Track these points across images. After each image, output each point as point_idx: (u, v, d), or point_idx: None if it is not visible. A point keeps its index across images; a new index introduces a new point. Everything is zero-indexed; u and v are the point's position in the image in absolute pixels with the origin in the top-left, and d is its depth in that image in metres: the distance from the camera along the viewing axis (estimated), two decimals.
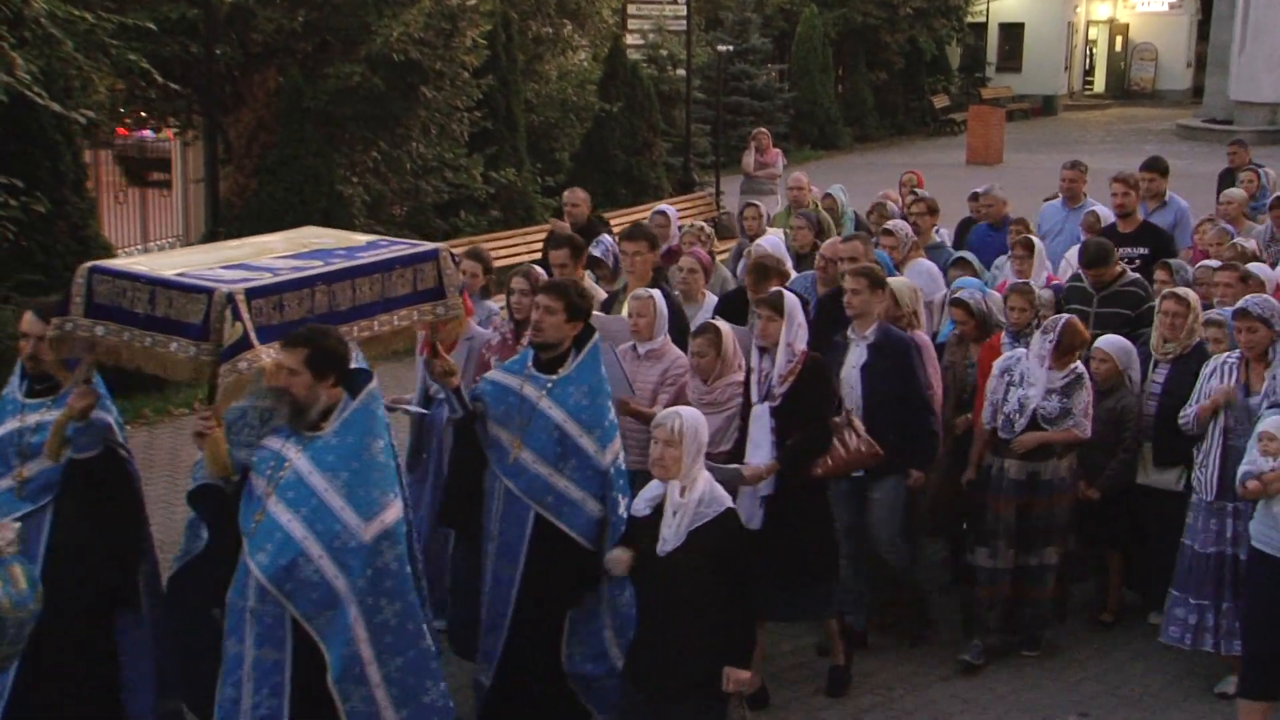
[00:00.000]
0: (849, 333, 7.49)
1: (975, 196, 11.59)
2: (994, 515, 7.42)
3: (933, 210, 10.69)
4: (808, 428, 6.77)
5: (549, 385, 6.12)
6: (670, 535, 5.42)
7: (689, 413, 5.58)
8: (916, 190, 12.34)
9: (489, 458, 6.20)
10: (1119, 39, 50.74)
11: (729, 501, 5.51)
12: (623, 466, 6.15)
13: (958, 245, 11.10)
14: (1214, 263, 8.95)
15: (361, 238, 6.29)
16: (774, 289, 7.16)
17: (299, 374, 5.13)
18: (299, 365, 5.11)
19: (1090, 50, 50.44)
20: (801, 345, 6.82)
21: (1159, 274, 8.76)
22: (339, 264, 5.62)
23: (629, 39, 25.14)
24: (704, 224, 10.30)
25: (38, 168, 11.72)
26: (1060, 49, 45.83)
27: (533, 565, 6.06)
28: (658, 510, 5.51)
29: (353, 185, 15.22)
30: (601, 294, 8.56)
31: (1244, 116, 34.50)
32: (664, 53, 26.02)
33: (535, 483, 6.06)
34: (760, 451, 6.70)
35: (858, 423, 7.01)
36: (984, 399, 7.72)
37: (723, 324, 7.30)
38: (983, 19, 44.55)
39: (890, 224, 9.74)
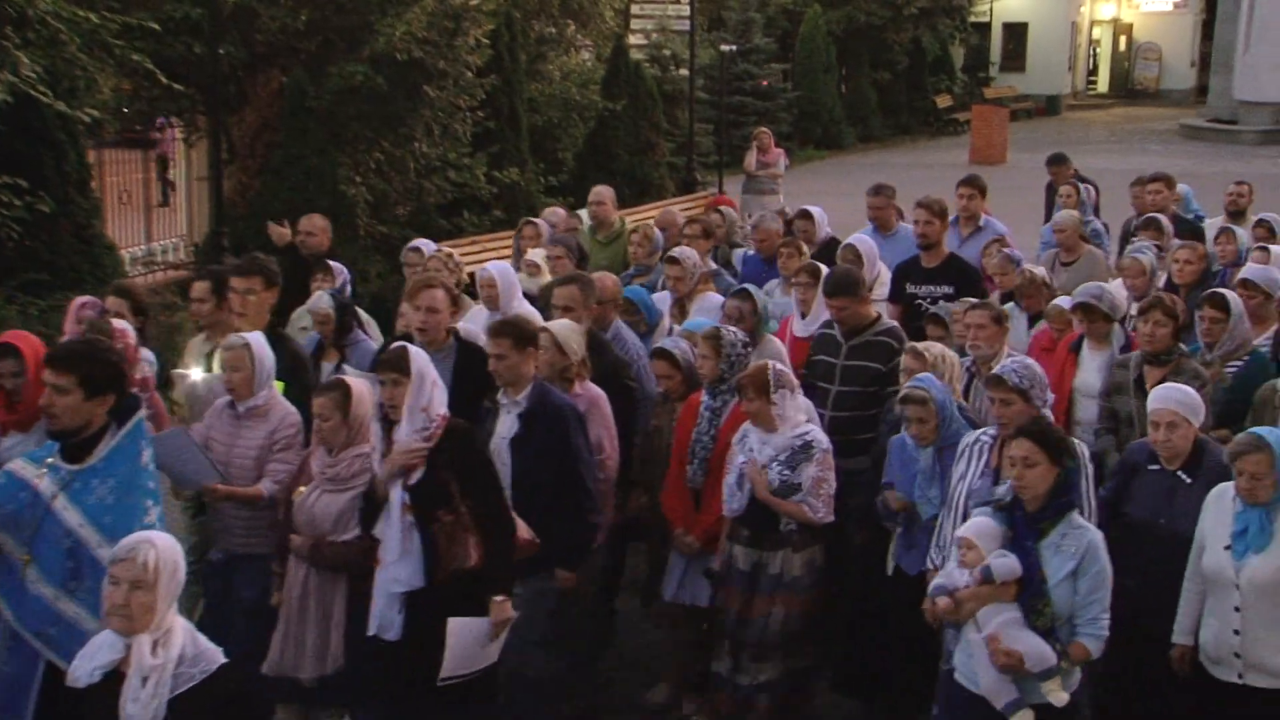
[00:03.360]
0: (499, 397, 6.27)
1: (757, 226, 10.19)
2: (721, 611, 6.31)
3: (708, 233, 9.61)
4: (495, 517, 5.57)
5: (68, 479, 4.80)
6: (138, 712, 3.97)
7: (163, 541, 4.18)
8: (722, 210, 11.14)
9: None
10: (1123, 38, 50.75)
11: (220, 655, 4.19)
12: None
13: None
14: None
15: None
16: (397, 345, 5.92)
17: None
18: None
19: (1094, 50, 50.44)
20: (440, 409, 5.56)
21: (907, 359, 6.83)
22: None
23: (632, 39, 25.12)
24: (451, 251, 8.94)
25: (42, 167, 11.74)
26: (1064, 49, 45.84)
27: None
28: (114, 676, 4.04)
29: (356, 185, 15.21)
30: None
31: (1248, 116, 34.52)
32: (667, 52, 26.01)
33: (35, 608, 4.71)
34: (392, 545, 5.51)
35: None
36: (678, 465, 6.62)
37: (356, 380, 6.11)
38: (986, 19, 44.58)
39: (677, 251, 8.56)
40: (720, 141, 24.61)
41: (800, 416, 6.24)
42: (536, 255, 9.42)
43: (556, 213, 11.04)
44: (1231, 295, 7.31)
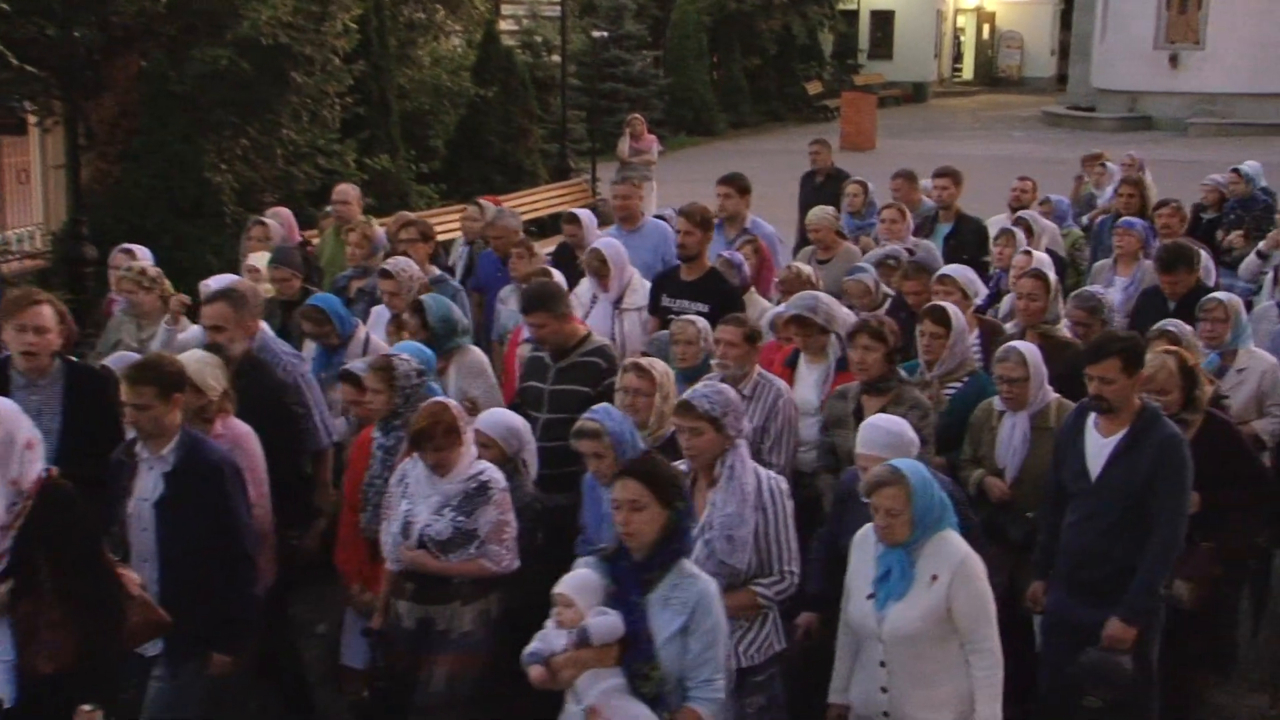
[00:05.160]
0: (138, 449, 5.33)
1: (492, 224, 9.56)
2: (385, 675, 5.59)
3: (426, 236, 8.88)
4: (93, 606, 4.60)
5: None
6: None
7: None
8: (481, 204, 10.33)
9: None
10: (986, 27, 51.87)
11: None
12: None
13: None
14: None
15: None
16: None
17: None
18: None
19: (959, 38, 51.47)
20: (33, 476, 4.57)
21: (628, 379, 5.97)
22: None
23: (503, 24, 24.95)
24: (146, 265, 7.73)
25: None
26: (930, 36, 46.73)
27: None
28: None
29: (222, 172, 14.88)
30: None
31: (1105, 103, 35.48)
32: (539, 39, 25.89)
33: None
34: None
35: (131, 576, 4.93)
36: (350, 512, 5.99)
37: None
38: (854, 6, 45.27)
39: (391, 262, 7.78)
40: (593, 128, 24.58)
41: (473, 452, 5.51)
42: (257, 260, 8.59)
43: (280, 213, 9.91)
44: (953, 309, 6.77)
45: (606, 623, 4.36)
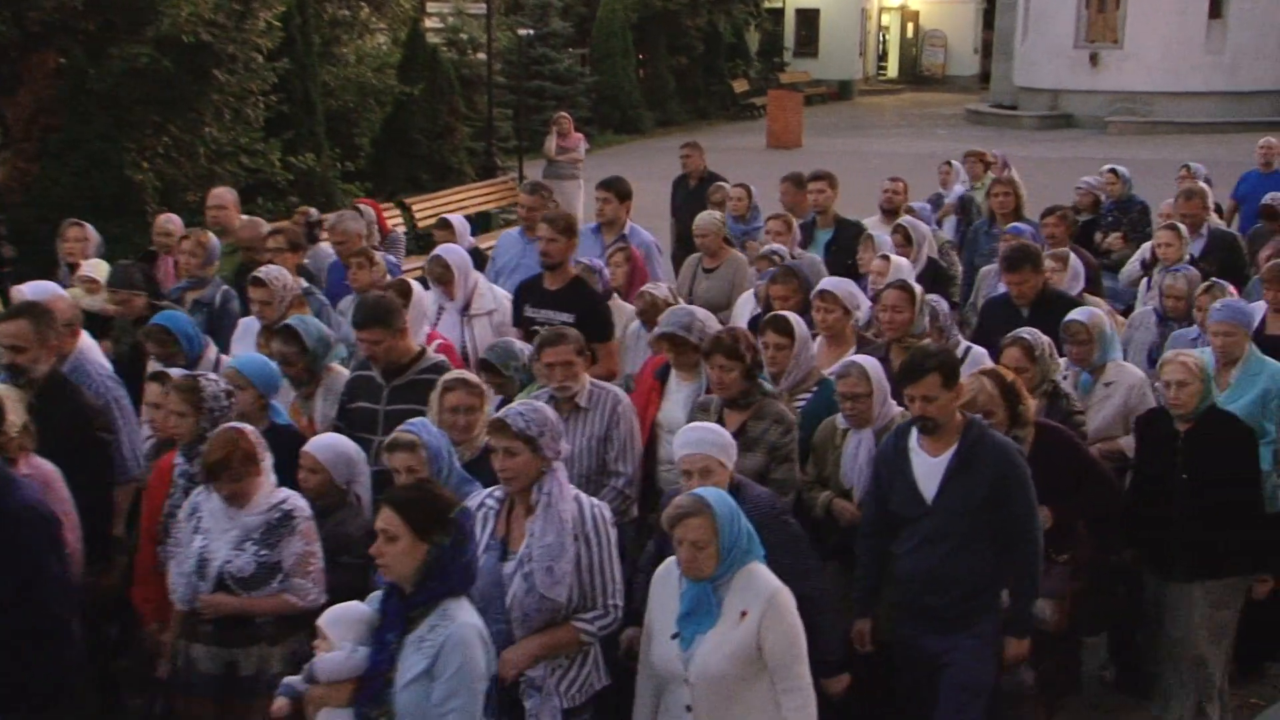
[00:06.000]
0: None
1: (327, 225, 8.99)
2: None
3: (295, 246, 8.30)
4: None
5: None
6: None
7: None
8: (361, 209, 9.70)
9: None
10: (910, 25, 52.39)
11: None
12: None
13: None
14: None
15: None
16: None
17: None
18: None
19: (884, 36, 51.95)
20: None
21: (457, 396, 5.65)
22: None
23: (428, 22, 24.85)
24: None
25: None
26: (855, 34, 47.06)
27: None
28: None
29: (143, 171, 14.71)
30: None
31: (1027, 102, 35.97)
32: (464, 36, 25.80)
33: None
34: None
35: None
36: (148, 543, 5.55)
37: None
38: (779, 4, 45.52)
39: (263, 271, 7.26)
40: (520, 126, 24.54)
41: (273, 479, 5.13)
42: (93, 269, 8.07)
43: (171, 219, 9.31)
44: (795, 318, 6.47)
45: (333, 659, 4.17)
